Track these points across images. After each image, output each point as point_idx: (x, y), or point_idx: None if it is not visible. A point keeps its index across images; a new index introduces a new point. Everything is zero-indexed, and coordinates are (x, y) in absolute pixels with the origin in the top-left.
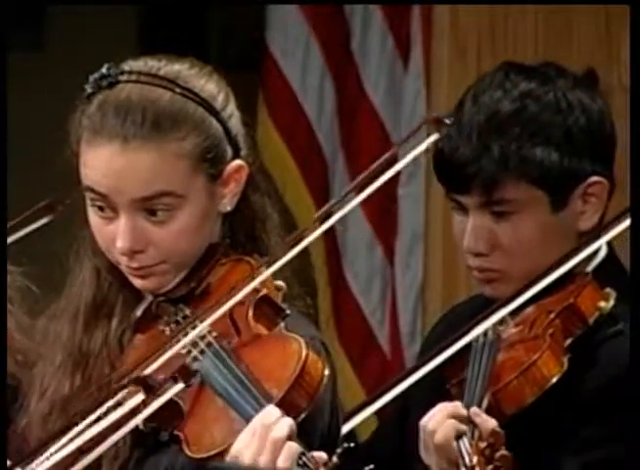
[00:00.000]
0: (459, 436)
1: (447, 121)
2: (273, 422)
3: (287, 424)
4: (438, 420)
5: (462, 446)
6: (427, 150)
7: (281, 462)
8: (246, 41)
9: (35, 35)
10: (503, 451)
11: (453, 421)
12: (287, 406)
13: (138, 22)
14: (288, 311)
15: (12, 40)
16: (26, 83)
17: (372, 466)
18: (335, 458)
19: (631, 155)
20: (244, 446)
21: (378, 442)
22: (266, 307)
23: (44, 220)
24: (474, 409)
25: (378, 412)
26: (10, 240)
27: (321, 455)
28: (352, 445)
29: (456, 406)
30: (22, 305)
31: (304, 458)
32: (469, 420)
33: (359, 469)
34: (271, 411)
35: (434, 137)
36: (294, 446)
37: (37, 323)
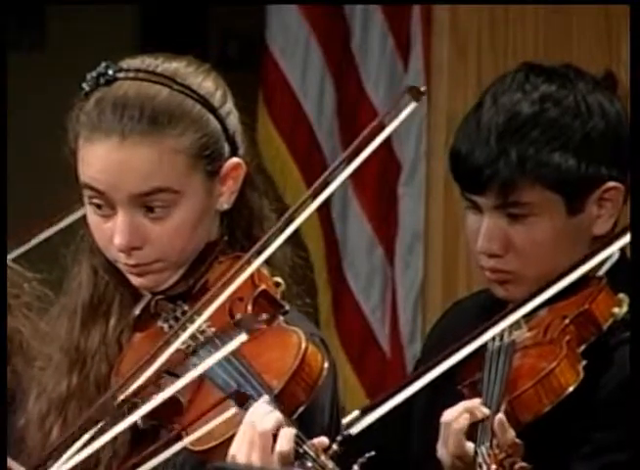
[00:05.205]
0: (478, 442)
1: (422, 90)
2: (259, 417)
3: (272, 417)
4: (456, 413)
5: (480, 454)
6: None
7: (279, 447)
8: (246, 41)
9: (36, 36)
10: (523, 463)
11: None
12: (286, 398)
13: (138, 22)
14: (287, 307)
15: (12, 40)
16: (27, 83)
17: (373, 453)
18: (335, 446)
19: (631, 154)
20: (237, 448)
21: (379, 441)
22: (265, 303)
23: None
24: (499, 418)
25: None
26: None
27: (321, 441)
28: (352, 432)
29: (475, 403)
30: (40, 312)
31: (305, 446)
32: (490, 428)
33: (360, 456)
34: (257, 408)
35: (412, 106)
36: (289, 431)
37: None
